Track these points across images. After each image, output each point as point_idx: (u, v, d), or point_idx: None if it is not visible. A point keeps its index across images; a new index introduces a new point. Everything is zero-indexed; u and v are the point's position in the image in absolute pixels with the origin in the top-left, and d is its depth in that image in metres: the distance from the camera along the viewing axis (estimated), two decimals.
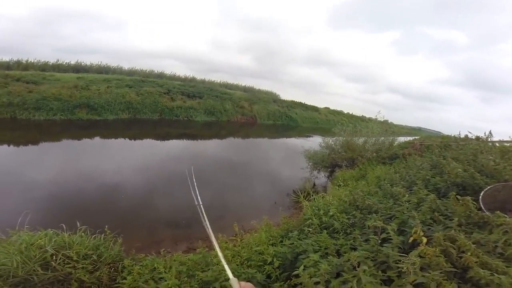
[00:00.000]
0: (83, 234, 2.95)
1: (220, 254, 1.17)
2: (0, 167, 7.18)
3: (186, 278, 2.20)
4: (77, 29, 36.41)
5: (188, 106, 17.24)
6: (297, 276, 1.83)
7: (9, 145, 9.18)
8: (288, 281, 2.08)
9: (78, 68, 19.16)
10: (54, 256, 2.42)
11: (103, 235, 3.05)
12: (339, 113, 28.34)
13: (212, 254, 2.56)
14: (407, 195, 2.98)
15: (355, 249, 2.14)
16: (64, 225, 2.97)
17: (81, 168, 7.79)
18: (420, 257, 1.65)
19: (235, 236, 3.25)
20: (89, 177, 7.19)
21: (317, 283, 1.70)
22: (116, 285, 2.32)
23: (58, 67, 18.24)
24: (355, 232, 2.40)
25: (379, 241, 2.05)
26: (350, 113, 28.64)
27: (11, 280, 2.16)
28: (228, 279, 0.96)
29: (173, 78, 22.82)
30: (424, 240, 1.78)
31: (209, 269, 2.26)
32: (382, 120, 10.35)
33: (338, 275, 1.82)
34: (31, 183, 6.37)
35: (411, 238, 1.90)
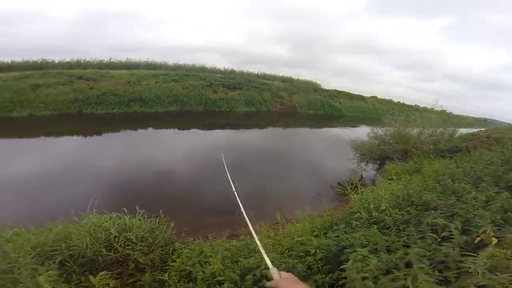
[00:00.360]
0: (141, 217, 3.09)
1: (258, 243, 1.14)
2: (72, 156, 8.34)
3: (230, 264, 2.23)
4: (122, 28, 39.71)
5: (229, 97, 17.74)
6: (342, 270, 1.78)
7: (78, 136, 10.63)
8: (330, 274, 2.02)
9: (128, 65, 20.62)
10: (116, 238, 2.57)
11: (158, 219, 3.17)
12: (388, 102, 26.02)
13: (254, 242, 2.61)
14: (473, 192, 2.66)
15: (407, 247, 2.00)
16: (125, 209, 3.17)
17: (138, 157, 8.65)
18: (488, 258, 1.48)
19: (276, 225, 3.22)
20: (144, 164, 7.95)
21: (365, 278, 1.63)
22: (167, 267, 2.39)
23: (111, 65, 19.92)
24: (409, 229, 2.24)
25: (439, 240, 1.89)
26: (401, 102, 26.05)
27: (80, 260, 2.32)
28: (268, 268, 0.96)
29: (214, 71, 23.42)
30: (494, 241, 1.59)
31: (251, 256, 2.28)
32: (440, 109, 9.20)
33: (387, 272, 1.73)
34: (98, 171, 7.29)
35: (478, 238, 1.71)
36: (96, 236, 2.50)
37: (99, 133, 11.09)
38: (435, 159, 5.77)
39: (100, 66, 19.18)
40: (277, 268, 0.94)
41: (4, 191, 5.88)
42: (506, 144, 4.90)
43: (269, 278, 0.94)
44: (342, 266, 1.78)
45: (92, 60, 19.41)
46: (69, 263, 2.24)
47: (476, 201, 2.45)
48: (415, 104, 24.76)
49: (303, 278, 2.19)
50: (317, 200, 5.62)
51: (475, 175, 3.45)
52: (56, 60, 17.93)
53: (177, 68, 22.13)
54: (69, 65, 18.01)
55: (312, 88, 24.23)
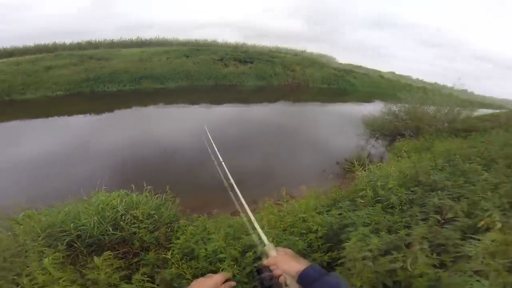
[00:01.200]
0: (148, 194, 3.04)
1: (252, 217, 1.09)
2: (83, 134, 8.46)
3: (231, 241, 2.19)
4: (131, 7, 38.04)
5: (240, 71, 17.40)
6: (343, 249, 1.76)
7: (88, 115, 10.79)
8: (329, 252, 2.01)
9: (140, 43, 20.35)
10: (123, 216, 2.52)
11: (164, 195, 3.11)
12: (406, 78, 24.78)
13: (257, 218, 2.56)
14: (484, 174, 2.58)
15: (409, 228, 1.99)
16: (133, 186, 3.11)
17: (145, 133, 8.73)
18: (489, 243, 1.47)
19: (280, 201, 3.06)
20: (152, 141, 8.01)
21: (364, 258, 1.62)
22: (171, 245, 2.30)
23: (123, 44, 19.69)
24: (413, 209, 2.23)
25: (442, 222, 1.88)
26: (420, 79, 24.75)
27: (87, 241, 2.28)
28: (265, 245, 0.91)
29: (225, 45, 22.69)
30: (498, 225, 1.57)
31: (253, 233, 2.30)
32: (460, 88, 8.75)
33: (386, 253, 1.71)
34: (108, 148, 7.39)
35: (482, 222, 1.69)
36: (103, 215, 2.45)
37: (110, 110, 11.25)
38: (448, 138, 5.57)
39: (112, 45, 19.05)
40: (278, 245, 0.91)
41: (17, 172, 5.96)
42: None
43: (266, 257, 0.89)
44: (343, 245, 1.77)
45: (103, 40, 19.28)
46: (77, 243, 2.19)
47: (486, 183, 2.39)
48: (435, 82, 23.41)
49: (303, 256, 2.17)
50: (323, 177, 5.58)
51: (488, 156, 3.32)
52: (67, 42, 17.98)
53: (187, 43, 21.57)
54: (80, 46, 17.99)
55: (326, 62, 23.21)
